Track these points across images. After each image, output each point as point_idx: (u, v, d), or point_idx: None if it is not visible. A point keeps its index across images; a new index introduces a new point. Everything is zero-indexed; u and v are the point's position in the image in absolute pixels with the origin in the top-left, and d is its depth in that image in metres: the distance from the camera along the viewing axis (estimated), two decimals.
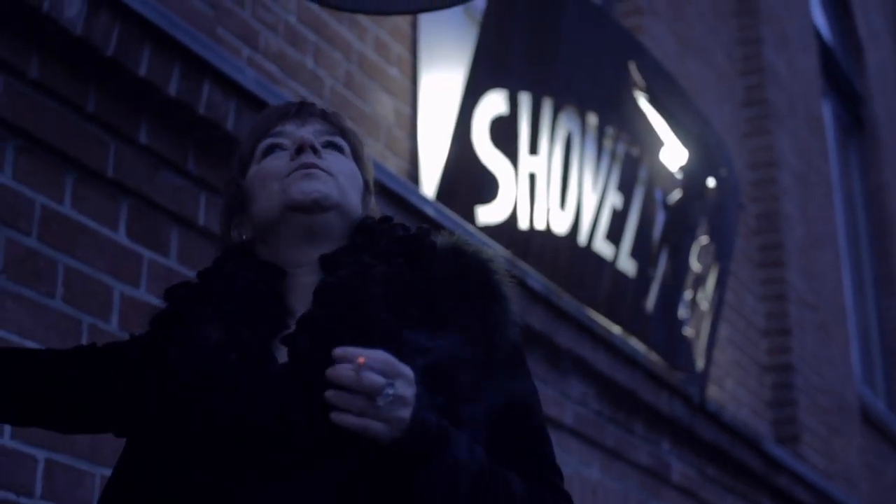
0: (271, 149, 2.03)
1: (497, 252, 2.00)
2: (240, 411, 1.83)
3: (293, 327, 1.91)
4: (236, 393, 1.85)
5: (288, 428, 1.81)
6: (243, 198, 2.04)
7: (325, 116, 2.08)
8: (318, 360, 1.77)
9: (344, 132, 2.08)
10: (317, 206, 1.95)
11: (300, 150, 1.98)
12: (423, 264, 1.94)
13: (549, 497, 1.90)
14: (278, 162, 2.00)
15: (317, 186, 1.95)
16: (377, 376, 1.70)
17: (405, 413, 1.73)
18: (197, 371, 1.88)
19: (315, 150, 1.98)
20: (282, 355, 1.90)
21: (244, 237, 2.05)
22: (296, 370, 1.85)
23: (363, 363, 1.68)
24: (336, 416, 1.71)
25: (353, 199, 2.01)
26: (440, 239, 2.00)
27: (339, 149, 2.05)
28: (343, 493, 1.77)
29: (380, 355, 1.71)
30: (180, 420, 1.86)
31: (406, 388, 1.73)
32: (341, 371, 1.69)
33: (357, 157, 2.08)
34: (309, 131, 2.03)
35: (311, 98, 2.10)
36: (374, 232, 1.98)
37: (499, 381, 1.91)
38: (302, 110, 2.07)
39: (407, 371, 1.74)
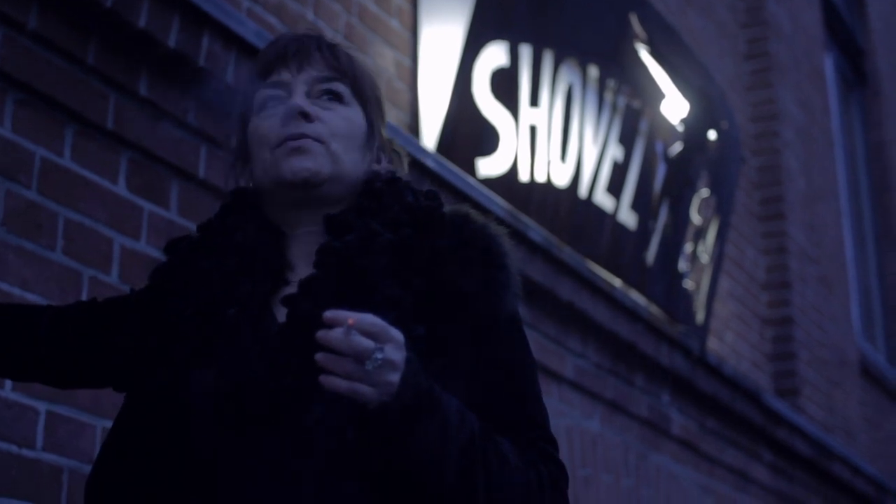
0: (266, 102, 1.97)
1: (502, 229, 1.99)
2: (238, 367, 1.83)
3: (293, 284, 1.91)
4: (235, 348, 1.85)
5: (284, 388, 1.81)
6: (245, 152, 2.02)
7: (325, 55, 2.01)
8: (318, 324, 1.77)
9: (344, 74, 2.00)
10: (307, 185, 1.92)
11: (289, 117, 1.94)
12: (432, 236, 1.93)
13: (544, 467, 1.89)
14: (271, 122, 1.95)
15: (306, 164, 1.91)
16: (366, 340, 1.67)
17: (394, 377, 1.71)
18: (196, 325, 1.88)
19: (306, 116, 1.93)
20: (281, 314, 1.89)
21: (250, 185, 2.03)
22: (294, 333, 1.84)
23: (353, 325, 1.66)
24: (325, 379, 1.68)
25: (351, 160, 1.96)
26: (449, 207, 1.99)
27: (338, 96, 1.99)
28: (333, 456, 1.78)
29: (370, 318, 1.68)
30: (177, 374, 1.86)
31: (395, 352, 1.71)
32: (332, 333, 1.66)
33: (362, 98, 2.02)
34: (305, 80, 1.97)
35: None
36: (382, 196, 1.96)
37: (495, 352, 1.92)
38: (300, 52, 2.00)
39: (397, 336, 1.72)
